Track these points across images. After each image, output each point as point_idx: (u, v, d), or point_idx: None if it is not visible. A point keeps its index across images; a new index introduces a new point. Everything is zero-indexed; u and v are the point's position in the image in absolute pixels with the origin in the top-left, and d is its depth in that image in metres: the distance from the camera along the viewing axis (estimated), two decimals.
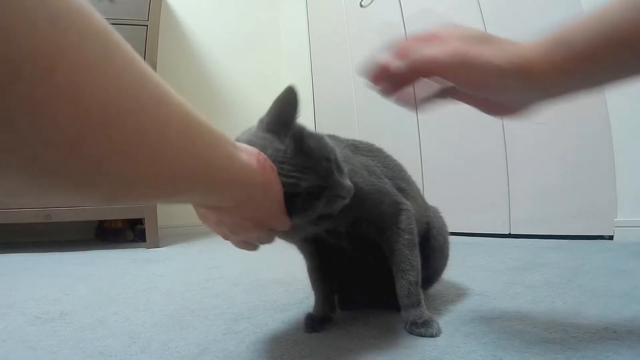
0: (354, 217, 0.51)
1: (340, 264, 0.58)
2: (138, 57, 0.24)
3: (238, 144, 0.37)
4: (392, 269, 0.53)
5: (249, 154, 0.37)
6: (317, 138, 0.45)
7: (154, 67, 1.68)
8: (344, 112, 2.07)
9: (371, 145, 0.62)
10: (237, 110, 2.29)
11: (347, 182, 0.46)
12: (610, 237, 1.17)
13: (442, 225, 0.67)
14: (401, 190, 0.57)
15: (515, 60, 0.37)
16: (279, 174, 0.41)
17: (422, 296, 0.52)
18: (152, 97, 0.25)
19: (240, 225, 0.41)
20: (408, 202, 0.55)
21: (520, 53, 0.37)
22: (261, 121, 0.44)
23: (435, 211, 0.68)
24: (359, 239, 0.54)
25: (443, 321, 0.53)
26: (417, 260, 0.53)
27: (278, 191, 0.40)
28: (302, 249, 0.58)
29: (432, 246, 0.62)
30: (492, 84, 0.38)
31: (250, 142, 0.41)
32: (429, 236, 0.62)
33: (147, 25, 1.67)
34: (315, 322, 0.55)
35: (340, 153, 0.47)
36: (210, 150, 0.32)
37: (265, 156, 0.40)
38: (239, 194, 0.37)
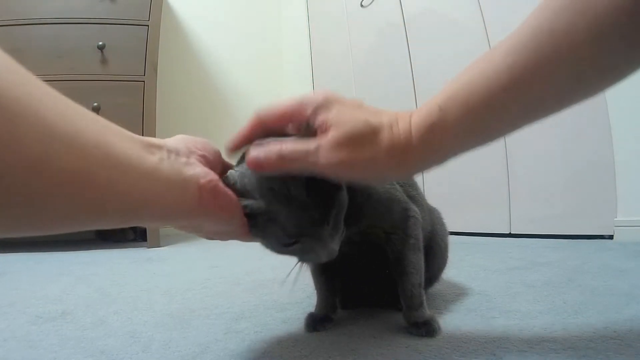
0: (366, 225, 0.51)
1: (342, 263, 0.58)
2: (25, 105, 0.24)
3: (193, 172, 0.35)
4: (394, 271, 0.53)
5: (192, 189, 0.35)
6: (336, 189, 0.42)
7: (155, 67, 1.68)
8: None
9: None
10: (238, 110, 2.29)
11: (332, 246, 0.41)
12: (610, 237, 1.17)
13: (444, 229, 0.68)
14: (410, 197, 0.57)
15: (393, 152, 0.37)
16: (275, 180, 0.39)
17: (424, 298, 0.52)
18: (31, 154, 0.24)
19: (194, 233, 0.42)
20: (416, 209, 0.56)
21: (397, 143, 0.37)
22: None
23: (437, 214, 0.69)
24: (363, 241, 0.54)
25: (443, 321, 0.53)
26: (420, 264, 0.53)
27: (225, 218, 0.38)
28: None
29: (434, 251, 0.62)
30: (373, 177, 0.41)
31: None
32: (432, 242, 0.63)
33: (148, 26, 1.67)
34: (316, 322, 0.55)
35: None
36: (123, 195, 0.30)
37: (221, 186, 0.37)
38: (170, 224, 0.37)
